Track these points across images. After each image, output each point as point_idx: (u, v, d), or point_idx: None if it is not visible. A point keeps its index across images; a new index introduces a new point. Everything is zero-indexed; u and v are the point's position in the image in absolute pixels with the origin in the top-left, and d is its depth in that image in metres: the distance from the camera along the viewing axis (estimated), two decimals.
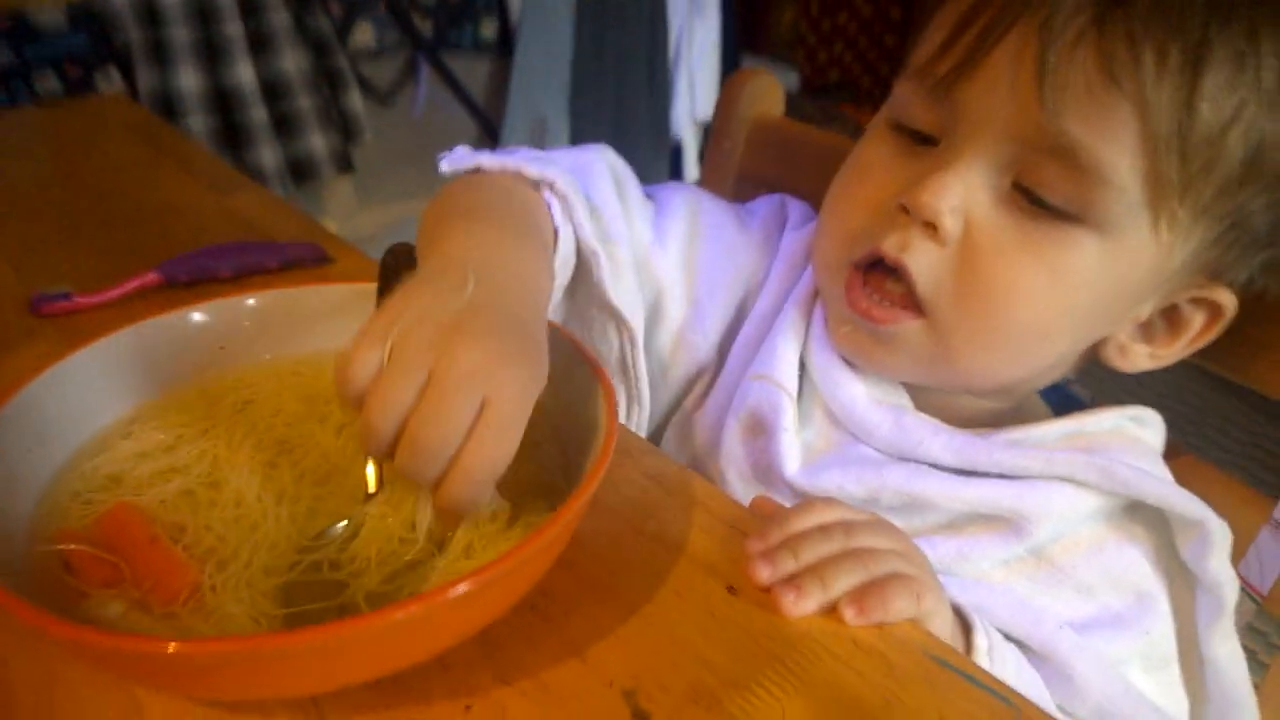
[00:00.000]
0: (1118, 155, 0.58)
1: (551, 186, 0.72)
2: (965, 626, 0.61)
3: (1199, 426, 2.46)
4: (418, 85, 2.85)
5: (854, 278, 0.69)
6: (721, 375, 0.83)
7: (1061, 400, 0.77)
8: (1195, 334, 0.67)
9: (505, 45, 2.96)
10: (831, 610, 0.55)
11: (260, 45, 2.25)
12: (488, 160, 0.72)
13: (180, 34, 2.11)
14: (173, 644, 0.40)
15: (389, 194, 2.77)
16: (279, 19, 2.24)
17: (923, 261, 0.65)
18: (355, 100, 2.50)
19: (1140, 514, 0.68)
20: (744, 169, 1.16)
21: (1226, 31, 0.57)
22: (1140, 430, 0.71)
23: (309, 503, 0.57)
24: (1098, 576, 0.67)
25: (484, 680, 0.51)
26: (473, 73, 2.99)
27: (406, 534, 0.54)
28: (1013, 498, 0.67)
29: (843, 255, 0.70)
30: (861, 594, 0.54)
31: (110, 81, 2.14)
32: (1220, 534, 0.64)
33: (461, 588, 0.43)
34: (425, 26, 2.76)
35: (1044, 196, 0.61)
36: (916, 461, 0.70)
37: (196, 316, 0.67)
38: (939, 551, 0.68)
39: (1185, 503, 0.65)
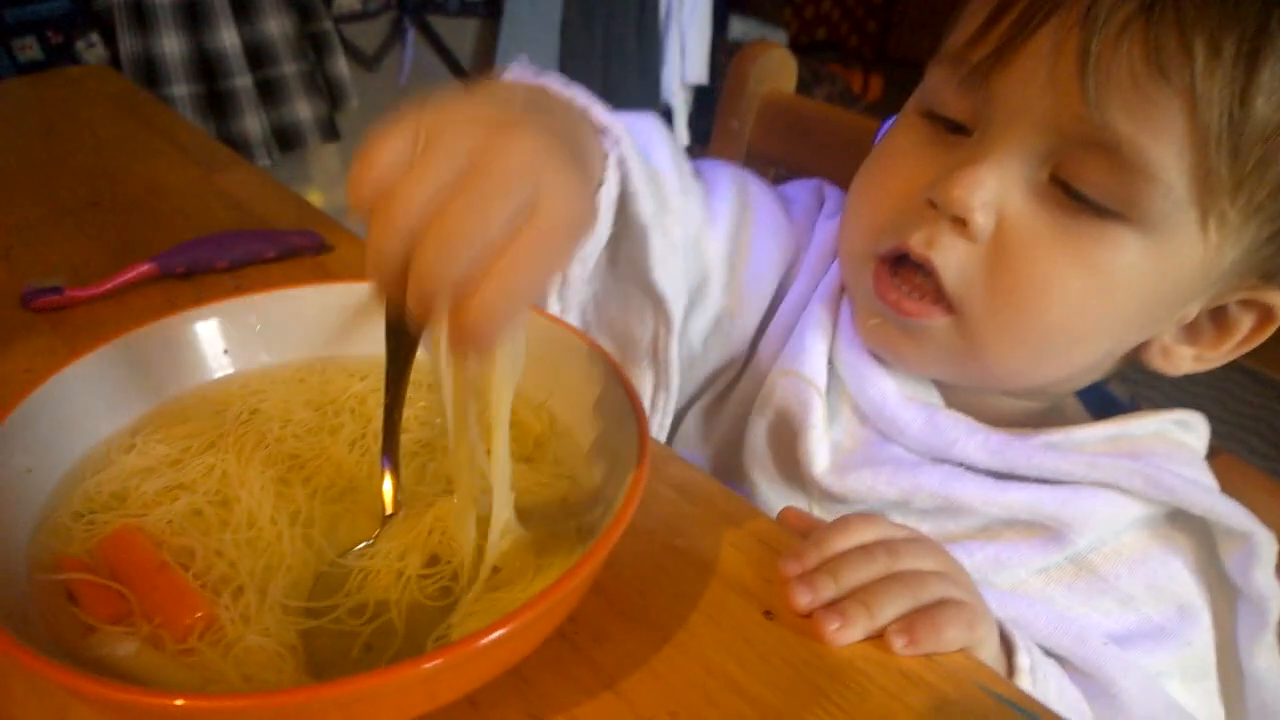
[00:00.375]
0: (1164, 150, 0.55)
1: (616, 140, 0.67)
2: (1006, 645, 0.58)
3: (1233, 428, 2.46)
4: (404, 49, 2.79)
5: (882, 270, 0.67)
6: (749, 368, 0.80)
7: (1099, 400, 0.75)
8: (1244, 337, 0.64)
9: (492, 7, 2.91)
10: (878, 638, 0.52)
11: (243, 8, 2.19)
12: (555, 83, 0.67)
13: None
14: (181, 699, 0.38)
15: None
16: None
17: (951, 258, 0.62)
18: (341, 65, 2.45)
19: (1182, 522, 0.66)
20: (753, 147, 1.13)
21: None
22: (1184, 435, 0.69)
23: (325, 523, 0.55)
24: (1141, 588, 0.65)
25: (515, 718, 0.48)
26: (459, 35, 2.93)
27: (426, 569, 0.51)
28: (1055, 504, 0.65)
29: (869, 248, 0.68)
30: (911, 622, 0.51)
31: (91, 47, 2.09)
32: (1267, 546, 0.62)
33: (495, 634, 0.40)
34: None
35: (1084, 191, 0.58)
36: (950, 463, 0.68)
37: (198, 320, 0.64)
38: (975, 559, 0.66)
39: (1232, 513, 0.63)
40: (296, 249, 0.91)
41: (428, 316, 0.42)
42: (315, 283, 0.67)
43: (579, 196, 0.46)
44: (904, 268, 0.65)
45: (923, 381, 0.71)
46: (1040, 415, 0.72)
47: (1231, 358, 0.66)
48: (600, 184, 0.65)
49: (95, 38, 2.09)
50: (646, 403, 0.75)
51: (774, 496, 0.73)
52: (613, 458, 0.55)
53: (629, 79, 3.17)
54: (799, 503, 0.72)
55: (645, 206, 0.68)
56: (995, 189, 0.60)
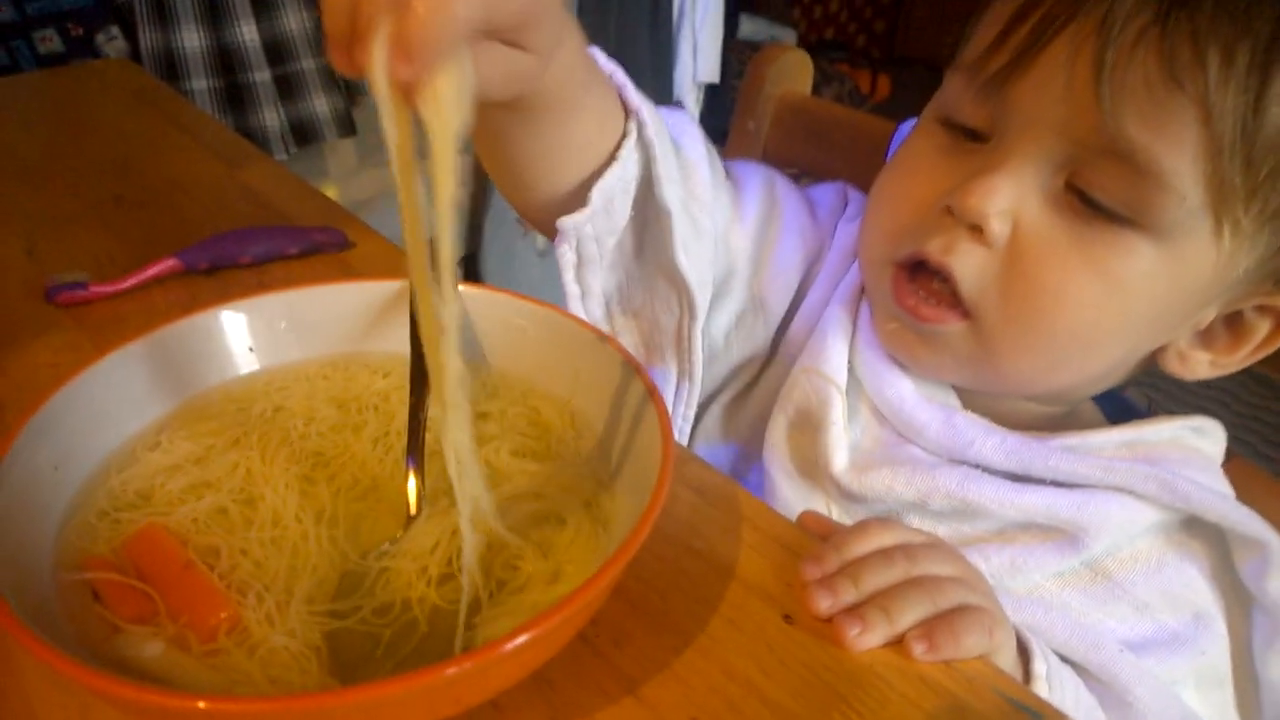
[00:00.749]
0: (1178, 159, 0.56)
1: (642, 124, 0.68)
2: (1023, 651, 0.59)
3: (1236, 428, 2.45)
4: None
5: (900, 274, 0.67)
6: (771, 365, 0.81)
7: (1116, 406, 0.75)
8: (1260, 342, 0.65)
9: None
10: (898, 644, 0.52)
11: (263, 4, 2.19)
12: (597, 52, 0.67)
13: None
14: (203, 701, 0.38)
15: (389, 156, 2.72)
16: None
17: (968, 264, 0.63)
18: None
19: (1197, 529, 0.66)
20: (769, 149, 1.13)
21: None
22: (1200, 441, 0.69)
23: (349, 522, 0.55)
24: (1156, 595, 0.65)
25: None
26: None
27: (450, 569, 0.52)
28: (1071, 507, 0.65)
29: (888, 253, 0.68)
30: (931, 628, 0.52)
31: (112, 40, 2.09)
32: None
33: (521, 639, 0.40)
34: None
35: (1098, 198, 0.59)
36: (968, 464, 0.68)
37: (224, 316, 0.64)
38: (992, 563, 0.66)
39: (1246, 521, 0.63)
40: (319, 245, 0.91)
41: (367, 41, 0.41)
42: (338, 279, 0.67)
43: None
44: (922, 274, 0.66)
45: (941, 385, 0.71)
46: (1057, 420, 0.72)
47: (1248, 363, 0.66)
48: (612, 160, 0.66)
49: (115, 30, 2.10)
50: (670, 392, 0.76)
51: (792, 493, 0.73)
52: (635, 458, 0.55)
53: (642, 77, 3.14)
54: (817, 500, 0.73)
55: (671, 192, 0.69)
56: (1011, 197, 0.60)
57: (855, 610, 0.52)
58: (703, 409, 0.84)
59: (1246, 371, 0.67)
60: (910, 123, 0.75)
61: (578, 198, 0.68)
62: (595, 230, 0.69)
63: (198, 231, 0.91)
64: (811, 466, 0.73)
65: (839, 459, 0.71)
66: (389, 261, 0.92)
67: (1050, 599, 0.65)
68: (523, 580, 0.51)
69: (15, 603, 0.42)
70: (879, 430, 0.72)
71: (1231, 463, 0.72)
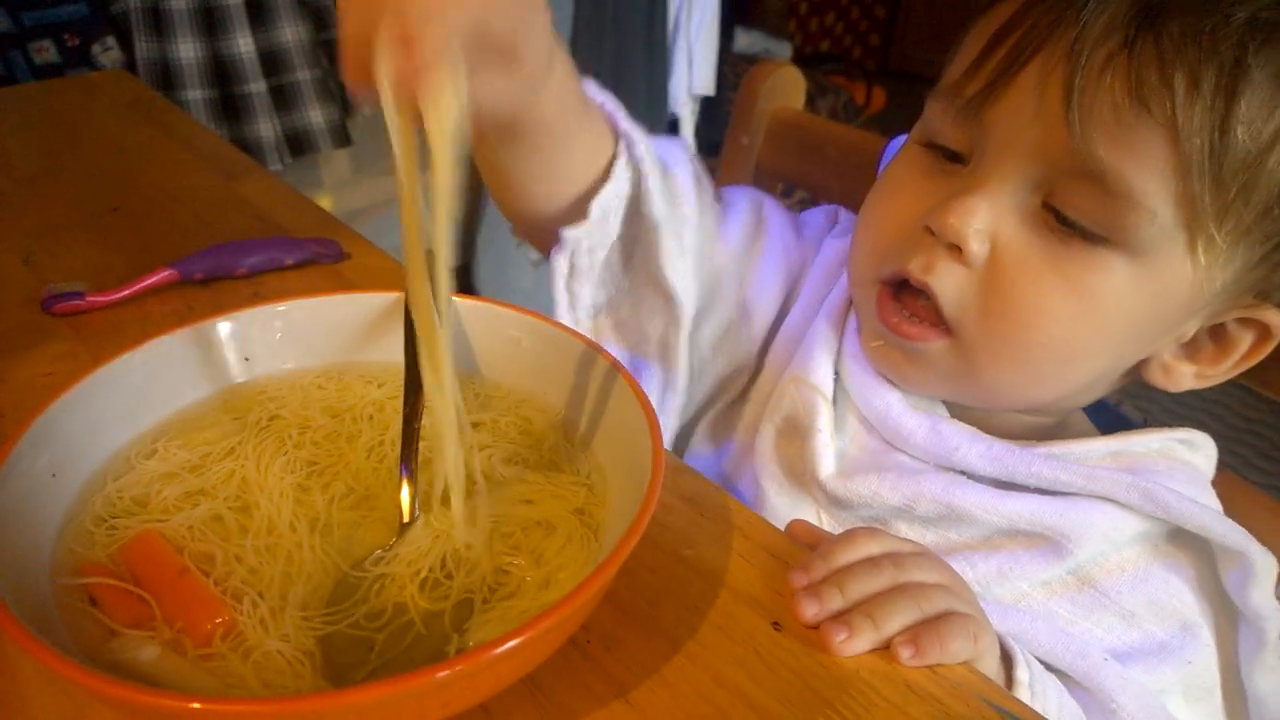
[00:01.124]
0: (1147, 179, 0.57)
1: (631, 145, 0.72)
2: (1006, 657, 0.59)
3: (1229, 441, 2.46)
4: None
5: (885, 294, 0.69)
6: (758, 378, 0.82)
7: (1110, 419, 0.76)
8: (1243, 354, 0.66)
9: None
10: (884, 650, 0.53)
11: (259, 15, 2.20)
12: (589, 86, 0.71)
13: (178, 3, 2.06)
14: (197, 701, 0.39)
15: (385, 167, 2.72)
16: None
17: (948, 282, 0.64)
18: None
19: (1185, 540, 0.67)
20: (763, 163, 1.14)
21: (1266, 51, 0.55)
22: (1190, 454, 0.70)
23: (343, 530, 0.56)
24: (1143, 605, 0.65)
25: None
26: None
27: (442, 575, 0.52)
28: (1053, 514, 0.66)
29: (873, 272, 0.70)
30: (917, 633, 0.52)
31: (108, 50, 2.10)
32: (1263, 565, 0.63)
33: (510, 644, 0.41)
34: None
35: (1073, 217, 0.60)
36: (953, 470, 0.70)
37: (220, 326, 0.65)
38: (978, 570, 0.67)
39: (1227, 532, 0.64)
40: (314, 256, 0.92)
41: (367, 55, 0.47)
42: (332, 290, 0.68)
43: None
44: (906, 292, 0.68)
45: (929, 398, 0.72)
46: (1047, 431, 0.73)
47: (1232, 374, 0.67)
48: (608, 178, 0.71)
49: (111, 41, 2.11)
50: (655, 402, 0.77)
51: (781, 502, 0.74)
52: (626, 467, 0.56)
53: (637, 89, 3.18)
54: (806, 507, 0.74)
55: (658, 208, 0.72)
56: (989, 216, 0.62)
57: (842, 617, 0.53)
58: (694, 422, 0.86)
59: (1239, 385, 0.68)
60: (900, 139, 0.76)
61: (573, 213, 0.71)
62: (590, 242, 0.72)
63: (194, 242, 0.92)
64: (800, 474, 0.74)
65: (825, 465, 0.72)
66: (384, 273, 0.93)
67: (1036, 608, 0.66)
68: (514, 586, 0.52)
69: (14, 606, 0.43)
70: (867, 439, 0.74)
71: (1220, 476, 0.73)
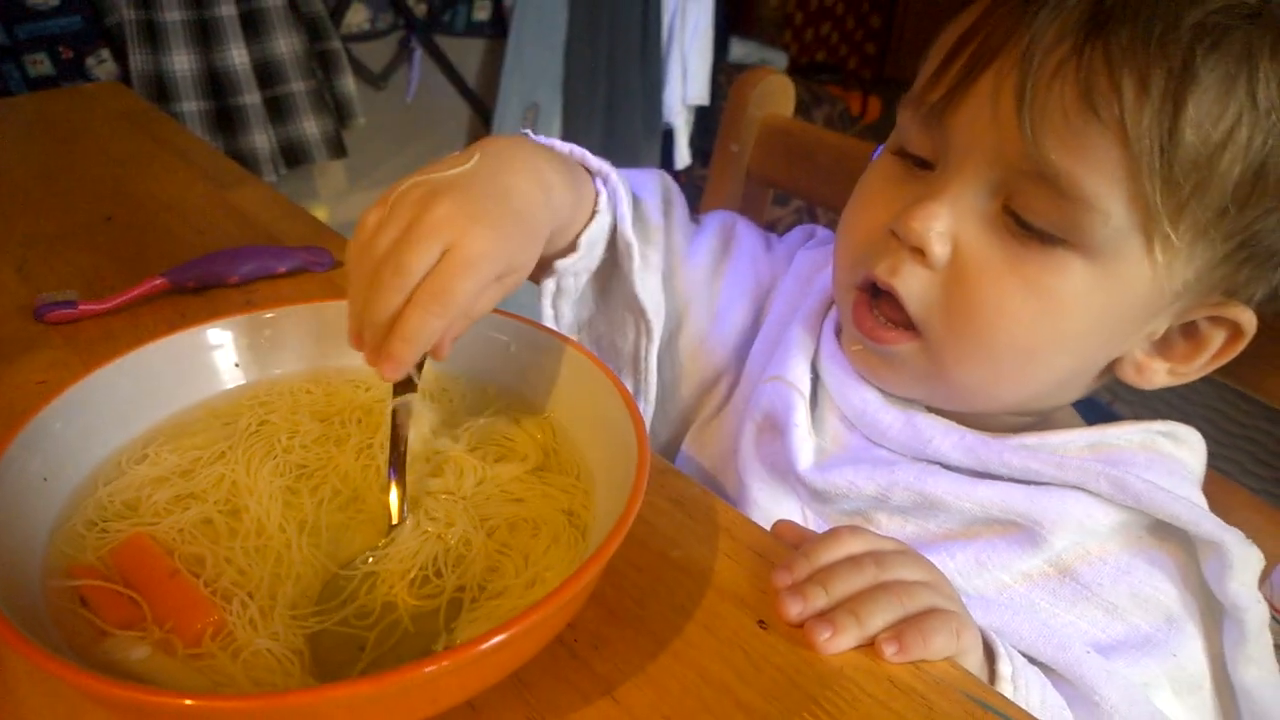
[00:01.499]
0: (1099, 182, 0.58)
1: (605, 178, 0.77)
2: (988, 652, 0.60)
3: (1225, 447, 2.47)
4: (411, 68, 2.81)
5: (861, 300, 0.71)
6: (738, 386, 0.85)
7: (1102, 420, 0.76)
8: (1216, 352, 0.66)
9: (498, 27, 2.93)
10: (867, 646, 0.54)
11: (253, 27, 2.21)
12: (554, 142, 0.75)
13: (173, 15, 2.07)
14: (189, 699, 0.39)
15: (380, 177, 2.73)
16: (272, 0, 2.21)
17: (913, 285, 0.66)
18: (348, 83, 2.46)
19: (1168, 533, 0.67)
20: (753, 170, 1.15)
21: (1215, 55, 0.56)
22: (1173, 447, 0.70)
23: (332, 531, 0.56)
24: (1126, 597, 0.66)
25: None
26: (466, 55, 2.94)
27: (432, 576, 0.53)
28: (1024, 501, 0.67)
29: (849, 278, 0.72)
30: (900, 631, 0.53)
31: (102, 63, 2.11)
32: (1240, 555, 0.63)
33: (495, 639, 0.42)
34: (419, 8, 2.73)
35: (1031, 220, 0.62)
36: (927, 460, 0.71)
37: (211, 333, 0.65)
38: (957, 560, 0.68)
39: (1200, 521, 0.64)
40: (306, 264, 0.93)
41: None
42: (324, 298, 0.69)
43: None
44: (881, 298, 0.69)
45: (908, 401, 0.74)
46: (1028, 429, 0.74)
47: (1206, 372, 0.67)
48: (594, 214, 0.75)
49: (106, 54, 2.11)
50: None
51: (765, 497, 0.75)
52: (613, 468, 0.56)
53: (632, 99, 3.19)
54: (789, 501, 0.75)
55: (630, 233, 0.76)
56: (950, 220, 0.64)
57: (826, 615, 0.54)
58: (680, 434, 0.88)
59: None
60: (883, 148, 0.78)
61: (564, 247, 0.75)
62: (576, 268, 0.76)
63: (187, 251, 0.93)
64: (782, 470, 0.75)
65: (804, 458, 0.74)
66: None
67: (1018, 601, 0.67)
68: (502, 586, 0.52)
69: (5, 608, 0.43)
70: (848, 437, 0.75)
71: (1207, 478, 0.73)
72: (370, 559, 0.54)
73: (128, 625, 0.49)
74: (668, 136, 3.45)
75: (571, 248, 0.74)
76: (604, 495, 0.57)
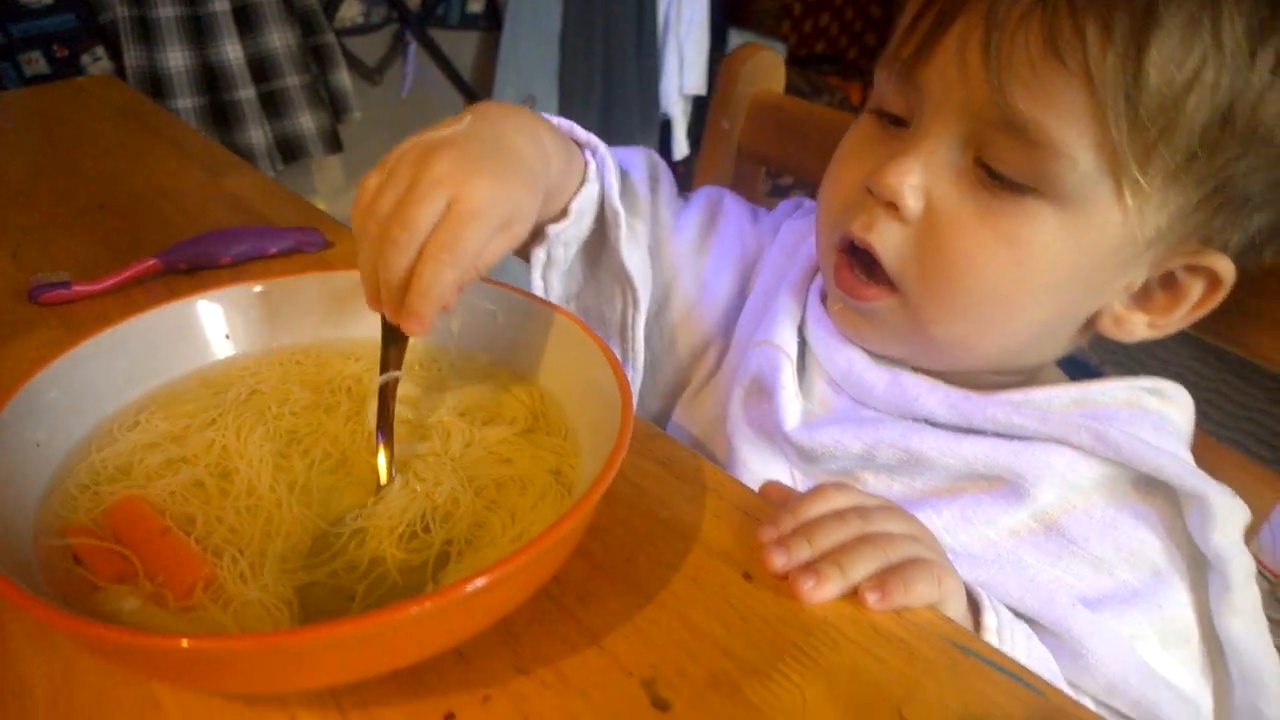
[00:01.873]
0: (1066, 128, 0.59)
1: (594, 150, 0.78)
2: (974, 605, 0.61)
3: (1229, 429, 2.47)
4: (405, 61, 2.82)
5: (842, 260, 0.72)
6: (727, 355, 0.86)
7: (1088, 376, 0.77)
8: (1195, 302, 0.67)
9: (493, 20, 2.93)
10: (850, 596, 0.54)
11: (246, 22, 2.22)
12: (543, 114, 0.76)
13: (166, 12, 2.08)
14: (186, 640, 0.40)
15: None
16: None
17: (888, 240, 0.67)
18: (343, 77, 2.47)
19: (1153, 488, 0.68)
20: (744, 146, 1.15)
21: None
22: (1160, 404, 0.71)
23: (322, 493, 0.57)
24: (1111, 551, 0.66)
25: (502, 671, 0.50)
26: (460, 48, 2.95)
27: (420, 531, 0.54)
28: (1009, 455, 0.68)
29: (829, 239, 0.73)
30: (882, 579, 0.54)
31: (97, 60, 2.12)
32: (1222, 506, 0.64)
33: (477, 582, 0.42)
34: (412, 1, 2.74)
35: (1001, 170, 0.62)
36: (913, 418, 0.72)
37: (201, 304, 0.66)
38: (943, 517, 0.68)
39: (1182, 473, 0.65)
40: (298, 245, 0.94)
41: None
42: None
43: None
44: (861, 257, 0.70)
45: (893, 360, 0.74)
46: (1014, 387, 0.74)
47: (1187, 324, 0.68)
48: (583, 183, 0.76)
49: (100, 51, 2.12)
50: None
51: (754, 459, 0.76)
52: (599, 428, 0.57)
53: (628, 90, 3.20)
54: (777, 462, 0.76)
55: (617, 203, 0.78)
56: (922, 174, 0.65)
57: (810, 566, 0.54)
58: (671, 403, 0.89)
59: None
60: None
61: (554, 213, 0.76)
62: (565, 237, 0.77)
63: (179, 236, 0.93)
64: (769, 431, 0.76)
65: (791, 418, 0.75)
66: None
67: (1005, 556, 0.67)
68: (488, 540, 0.53)
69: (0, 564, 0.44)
70: (834, 399, 0.76)
71: (1197, 438, 0.74)
72: (359, 516, 0.55)
73: (120, 580, 0.50)
74: (665, 127, 3.46)
75: (563, 213, 0.76)
76: (590, 455, 0.58)
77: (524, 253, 0.78)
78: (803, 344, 0.79)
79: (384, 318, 0.61)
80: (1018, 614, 0.63)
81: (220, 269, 0.91)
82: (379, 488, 0.57)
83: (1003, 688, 0.50)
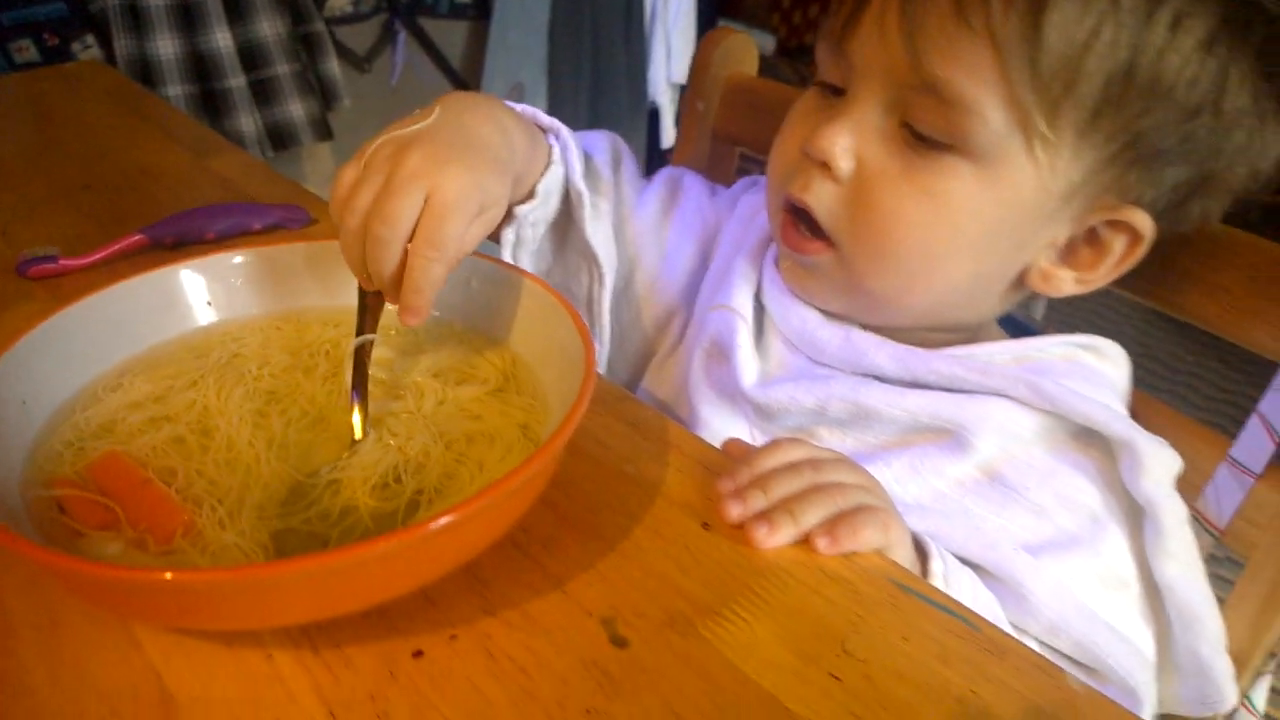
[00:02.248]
0: (976, 87, 0.64)
1: (556, 134, 0.82)
2: (922, 554, 0.64)
3: (1210, 413, 2.50)
4: (395, 50, 2.84)
5: (787, 220, 0.76)
6: (690, 324, 0.90)
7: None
8: (1119, 258, 0.70)
9: (482, 9, 2.95)
10: (801, 542, 0.57)
11: (236, 10, 2.24)
12: (508, 102, 0.79)
13: (157, 0, 2.10)
14: (169, 572, 0.42)
15: None
16: None
17: (823, 198, 0.71)
18: (333, 66, 2.49)
19: (1091, 439, 0.71)
20: (718, 128, 1.18)
21: None
22: (1096, 360, 0.74)
23: (300, 449, 0.60)
24: (1050, 499, 0.69)
25: (469, 612, 0.53)
26: (450, 37, 2.97)
27: (392, 482, 0.56)
28: (952, 407, 0.71)
29: (776, 200, 0.77)
30: (832, 525, 0.57)
31: (87, 49, 2.13)
32: (1150, 453, 0.67)
33: (442, 520, 0.45)
34: None
35: (922, 130, 0.67)
36: (864, 374, 0.76)
37: (184, 272, 0.69)
38: (894, 468, 0.72)
39: (1111, 421, 0.68)
40: (282, 221, 0.96)
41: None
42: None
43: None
44: (803, 216, 0.74)
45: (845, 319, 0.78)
46: (958, 344, 0.78)
47: (1112, 278, 0.72)
48: (548, 166, 0.80)
49: (90, 40, 2.14)
50: None
51: (715, 419, 0.80)
52: (568, 386, 0.59)
53: (616, 79, 3.22)
54: (737, 421, 0.80)
55: (580, 184, 0.82)
56: (852, 137, 0.69)
57: (764, 514, 0.57)
58: (639, 374, 0.93)
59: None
60: None
61: (522, 194, 0.80)
62: (534, 217, 0.80)
63: (166, 213, 0.95)
64: (729, 391, 0.80)
65: (748, 376, 0.79)
66: None
67: (951, 506, 0.70)
68: (457, 490, 0.56)
69: None
70: (791, 359, 0.80)
71: (1134, 396, 0.77)
72: (334, 469, 0.57)
73: (104, 529, 0.52)
74: (654, 116, 3.48)
75: (530, 195, 0.79)
76: (558, 411, 0.60)
77: (495, 234, 0.80)
78: (761, 310, 0.82)
79: (360, 285, 0.64)
80: (964, 561, 0.66)
81: (205, 244, 0.93)
82: (353, 443, 0.59)
83: (941, 624, 0.52)
